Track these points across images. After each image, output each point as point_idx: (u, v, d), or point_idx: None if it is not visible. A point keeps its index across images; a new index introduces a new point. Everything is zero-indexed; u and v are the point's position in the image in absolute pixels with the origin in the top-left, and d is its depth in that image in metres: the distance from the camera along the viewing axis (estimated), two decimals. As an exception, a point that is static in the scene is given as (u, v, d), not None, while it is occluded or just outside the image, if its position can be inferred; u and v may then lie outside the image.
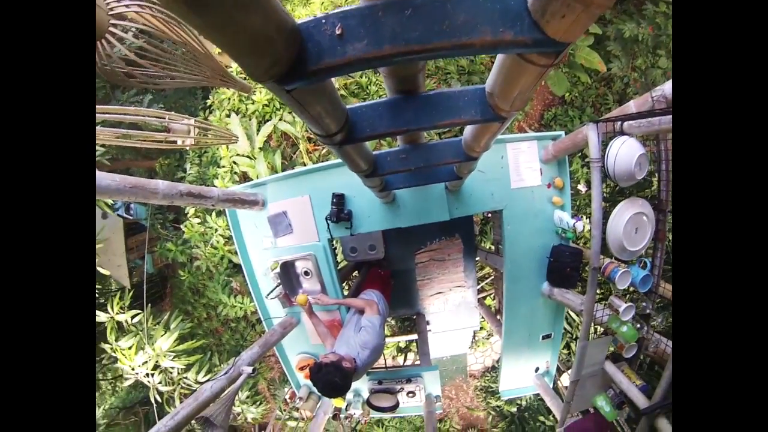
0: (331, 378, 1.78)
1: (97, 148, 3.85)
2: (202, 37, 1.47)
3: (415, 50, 0.56)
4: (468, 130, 1.25)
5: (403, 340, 4.93)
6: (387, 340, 5.05)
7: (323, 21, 0.58)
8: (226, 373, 2.10)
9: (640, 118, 1.72)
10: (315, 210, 2.46)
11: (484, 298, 4.86)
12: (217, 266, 5.33)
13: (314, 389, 2.03)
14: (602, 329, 2.26)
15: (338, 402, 2.89)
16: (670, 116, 1.51)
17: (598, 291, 2.18)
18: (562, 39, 0.56)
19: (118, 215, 5.58)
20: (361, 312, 2.31)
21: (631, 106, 1.79)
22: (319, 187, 2.42)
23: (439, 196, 2.30)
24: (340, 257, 3.84)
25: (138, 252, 6.47)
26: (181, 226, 5.26)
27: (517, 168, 2.40)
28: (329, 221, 2.38)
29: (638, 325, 1.97)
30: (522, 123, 4.85)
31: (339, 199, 2.34)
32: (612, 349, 2.11)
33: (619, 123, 1.76)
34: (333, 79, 0.81)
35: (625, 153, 1.68)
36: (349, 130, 0.92)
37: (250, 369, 2.20)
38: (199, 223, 5.11)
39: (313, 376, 1.84)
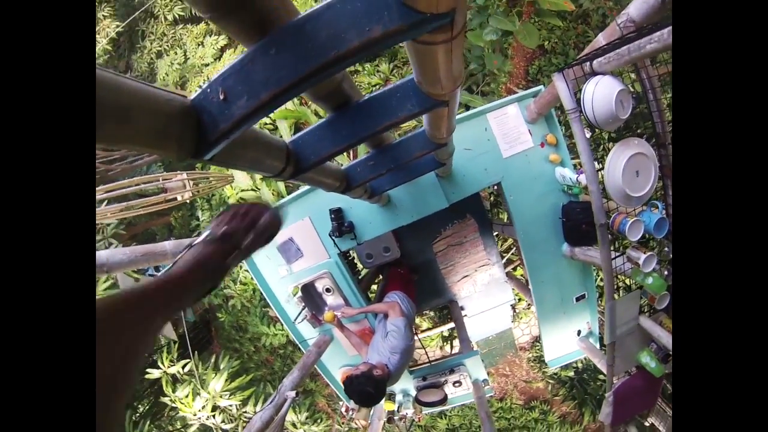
0: (363, 388, 1.80)
1: (109, 222, 4.03)
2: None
3: (291, 85, 0.55)
4: (424, 119, 1.22)
5: (441, 330, 4.91)
6: (428, 333, 5.05)
7: (208, 90, 0.59)
8: (271, 401, 2.17)
9: (608, 51, 1.60)
10: (318, 229, 2.48)
11: (514, 269, 4.75)
12: (251, 300, 5.49)
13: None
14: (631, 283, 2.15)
15: (389, 406, 2.91)
16: (642, 40, 1.40)
17: (618, 243, 2.09)
18: (440, 10, 0.52)
19: (149, 275, 5.83)
20: (386, 316, 2.32)
21: (600, 39, 1.67)
22: (317, 207, 2.44)
23: (432, 185, 2.26)
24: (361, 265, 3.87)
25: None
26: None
27: (505, 135, 2.32)
28: (333, 237, 2.39)
29: (665, 272, 1.86)
30: (508, 84, 4.71)
31: (337, 214, 2.35)
32: (643, 302, 2.00)
33: (588, 63, 1.66)
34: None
35: (602, 94, 1.57)
36: (296, 161, 0.92)
37: (293, 393, 2.27)
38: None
39: (347, 390, 1.86)
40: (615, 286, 1.87)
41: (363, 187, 1.64)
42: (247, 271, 5.14)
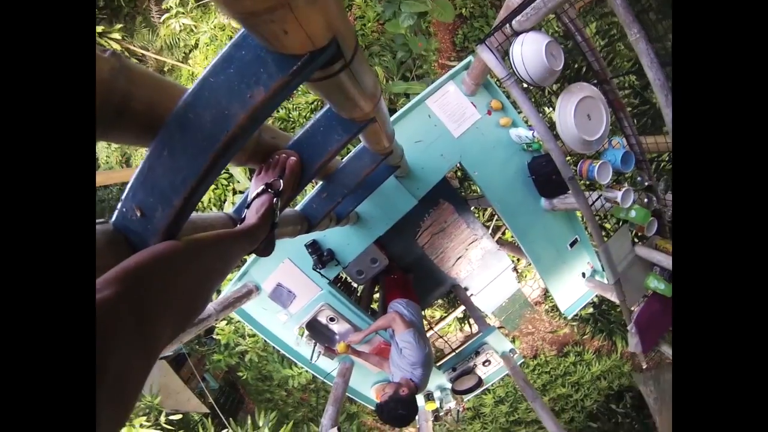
0: (395, 413, 1.76)
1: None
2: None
3: (198, 181, 0.51)
4: (361, 137, 1.18)
5: (455, 315, 4.92)
6: (443, 322, 5.05)
7: (124, 210, 0.54)
8: None
9: (524, 8, 1.60)
10: (301, 267, 2.43)
11: (503, 234, 4.79)
12: (265, 348, 5.37)
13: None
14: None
15: (430, 406, 2.89)
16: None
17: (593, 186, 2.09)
18: (319, 45, 0.48)
19: (160, 359, 5.65)
20: (393, 331, 2.29)
21: (514, -1, 1.66)
22: (291, 247, 2.38)
23: (395, 188, 2.23)
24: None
25: (195, 378, 6.58)
26: (214, 336, 5.30)
27: (451, 115, 2.31)
28: (317, 270, 2.34)
29: (645, 200, 1.87)
30: (440, 61, 4.71)
31: (313, 247, 2.30)
32: (633, 233, 2.02)
33: (508, 26, 1.65)
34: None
35: (530, 51, 1.55)
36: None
37: (335, 429, 2.23)
38: (227, 324, 5.14)
39: (381, 418, 1.83)
40: (601, 227, 1.87)
41: (326, 218, 1.59)
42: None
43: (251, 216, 0.79)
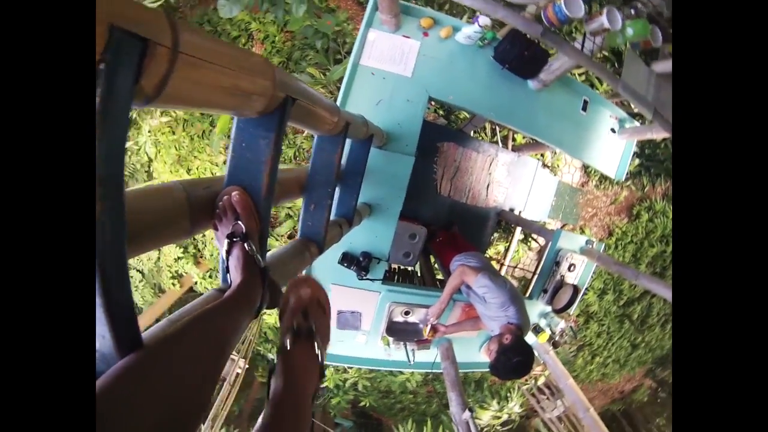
0: (511, 364, 1.62)
1: None
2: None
3: None
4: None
5: (516, 240, 4.70)
6: (509, 254, 4.85)
7: None
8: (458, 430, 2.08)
9: None
10: (348, 284, 2.31)
11: (514, 140, 4.51)
12: (370, 370, 5.37)
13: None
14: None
15: (542, 338, 2.74)
16: None
17: (573, 31, 1.85)
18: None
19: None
20: (467, 286, 2.15)
21: None
22: (327, 271, 2.25)
23: (385, 159, 2.06)
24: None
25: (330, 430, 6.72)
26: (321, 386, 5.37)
27: (392, 60, 2.10)
28: (364, 278, 2.23)
29: (632, 11, 1.61)
30: (357, 26, 4.44)
31: (348, 260, 2.18)
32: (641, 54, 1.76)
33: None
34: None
35: None
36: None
37: (468, 413, 2.14)
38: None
39: (500, 377, 1.70)
40: (608, 66, 1.64)
41: (335, 227, 1.46)
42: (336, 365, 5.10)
43: (234, 276, 0.71)
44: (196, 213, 0.74)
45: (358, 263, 2.17)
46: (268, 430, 0.48)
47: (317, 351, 0.65)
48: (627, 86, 1.58)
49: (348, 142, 1.65)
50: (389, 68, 2.09)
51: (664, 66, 1.65)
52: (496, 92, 2.17)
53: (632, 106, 1.88)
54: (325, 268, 2.24)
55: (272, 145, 0.79)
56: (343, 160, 1.63)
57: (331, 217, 1.63)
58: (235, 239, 0.73)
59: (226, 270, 0.74)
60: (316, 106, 0.96)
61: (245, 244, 0.73)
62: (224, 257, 0.74)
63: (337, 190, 1.65)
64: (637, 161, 5.35)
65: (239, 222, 0.74)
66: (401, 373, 5.36)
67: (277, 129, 0.78)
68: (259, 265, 0.73)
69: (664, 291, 2.03)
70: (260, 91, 0.70)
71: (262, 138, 0.78)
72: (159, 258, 5.72)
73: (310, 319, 0.68)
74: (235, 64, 0.62)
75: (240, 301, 0.63)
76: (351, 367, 4.98)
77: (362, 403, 5.84)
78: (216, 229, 0.78)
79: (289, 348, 0.62)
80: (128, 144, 5.33)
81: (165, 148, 5.14)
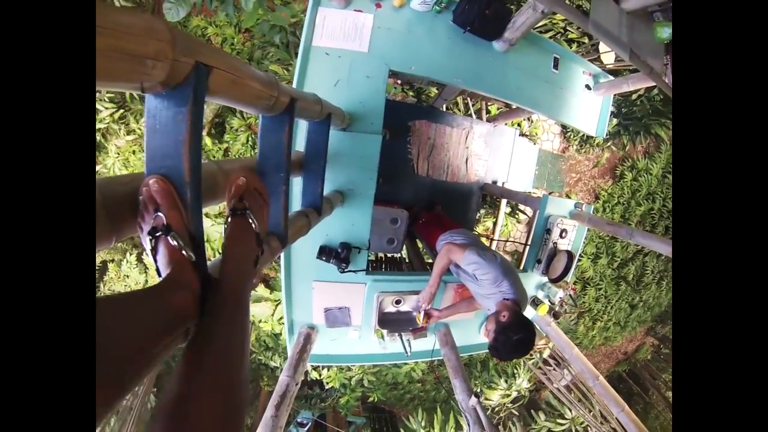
0: (511, 343, 1.52)
1: None
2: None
3: None
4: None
5: (502, 213, 4.63)
6: (498, 227, 4.78)
7: None
8: (469, 425, 1.98)
9: None
10: (331, 279, 2.19)
11: (488, 111, 4.40)
12: (373, 365, 5.30)
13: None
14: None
15: (542, 310, 2.66)
16: None
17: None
18: None
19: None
20: (456, 265, 2.04)
21: None
22: (309, 269, 2.14)
23: (352, 141, 1.93)
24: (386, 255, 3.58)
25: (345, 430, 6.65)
26: (326, 387, 5.28)
27: (347, 37, 1.96)
28: (346, 270, 2.10)
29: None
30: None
31: (326, 253, 2.05)
32: None
33: None
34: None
35: None
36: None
37: (475, 399, 2.05)
38: (327, 370, 5.09)
39: (501, 358, 1.59)
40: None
41: (298, 220, 1.33)
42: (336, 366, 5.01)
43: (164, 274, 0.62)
44: (115, 214, 0.63)
45: (337, 255, 2.04)
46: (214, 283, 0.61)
47: (251, 223, 0.78)
48: (598, 25, 1.46)
49: (304, 124, 1.53)
50: (344, 46, 1.95)
51: (634, 2, 1.54)
52: (461, 58, 2.05)
53: (606, 48, 1.76)
54: (304, 265, 2.12)
55: (188, 121, 0.65)
56: (303, 146, 1.49)
57: (298, 207, 1.51)
58: (157, 234, 0.63)
59: (159, 274, 0.63)
60: (244, 76, 0.82)
61: (168, 238, 0.63)
62: (153, 259, 0.65)
63: (301, 179, 1.52)
64: (614, 121, 5.31)
65: (159, 213, 0.64)
66: (405, 363, 5.29)
67: (192, 102, 0.65)
68: (189, 259, 0.63)
69: (659, 246, 1.96)
70: (153, 55, 0.56)
71: (176, 114, 0.65)
72: (147, 281, 5.53)
73: (244, 201, 0.80)
74: (112, 22, 0.49)
75: (171, 287, 0.58)
76: (353, 365, 4.88)
77: (371, 399, 5.77)
78: (140, 227, 0.67)
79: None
80: (97, 168, 5.11)
81: (134, 168, 4.94)
